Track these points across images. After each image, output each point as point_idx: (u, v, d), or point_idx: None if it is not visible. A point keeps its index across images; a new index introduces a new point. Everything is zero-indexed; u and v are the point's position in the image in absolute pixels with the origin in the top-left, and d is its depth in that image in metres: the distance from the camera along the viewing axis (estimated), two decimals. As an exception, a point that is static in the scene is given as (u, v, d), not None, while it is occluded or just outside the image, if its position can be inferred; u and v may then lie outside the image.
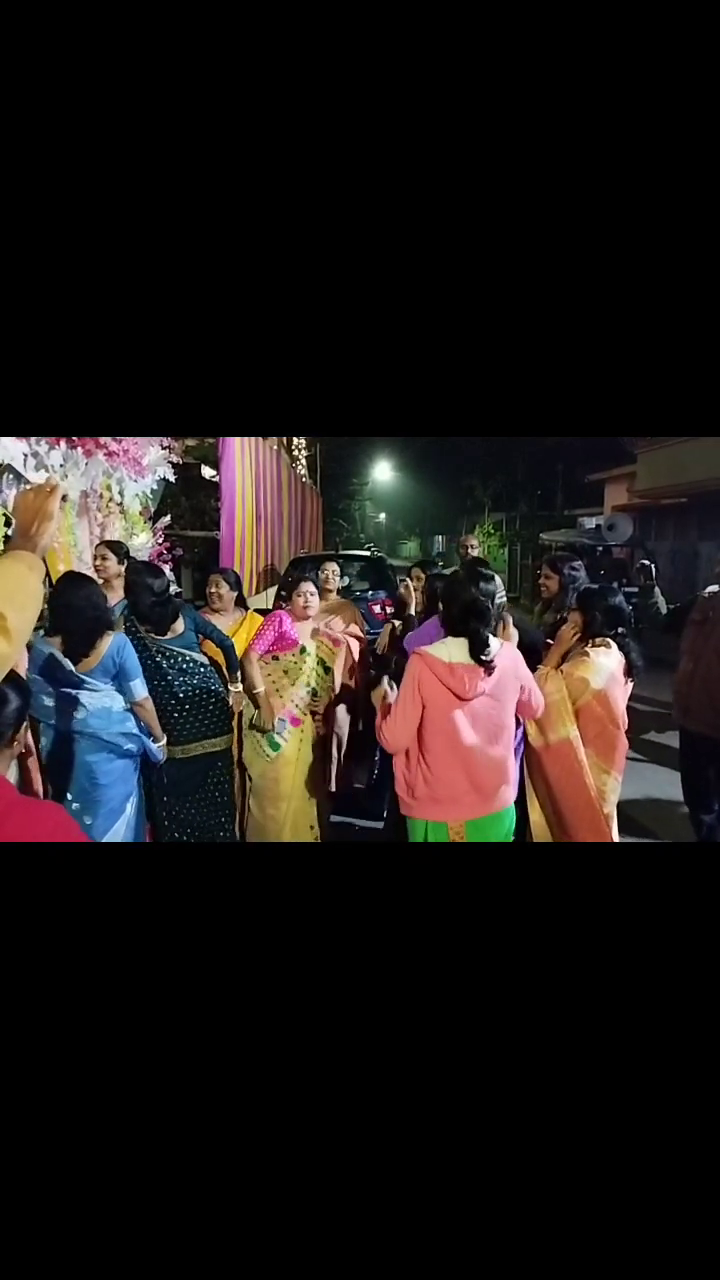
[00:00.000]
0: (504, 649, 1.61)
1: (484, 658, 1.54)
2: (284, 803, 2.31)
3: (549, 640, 2.00)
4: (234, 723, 2.32)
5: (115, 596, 2.28)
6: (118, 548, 2.46)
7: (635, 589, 2.46)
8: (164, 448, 3.26)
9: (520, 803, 1.84)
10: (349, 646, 2.58)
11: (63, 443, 2.39)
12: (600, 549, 7.96)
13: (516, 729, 1.72)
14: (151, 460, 3.14)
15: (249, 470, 4.47)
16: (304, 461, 8.94)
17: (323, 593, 2.67)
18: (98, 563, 2.40)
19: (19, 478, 0.94)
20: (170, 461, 3.33)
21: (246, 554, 4.32)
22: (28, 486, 0.87)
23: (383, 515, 25.67)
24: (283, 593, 2.57)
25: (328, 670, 2.42)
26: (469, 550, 3.66)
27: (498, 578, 1.65)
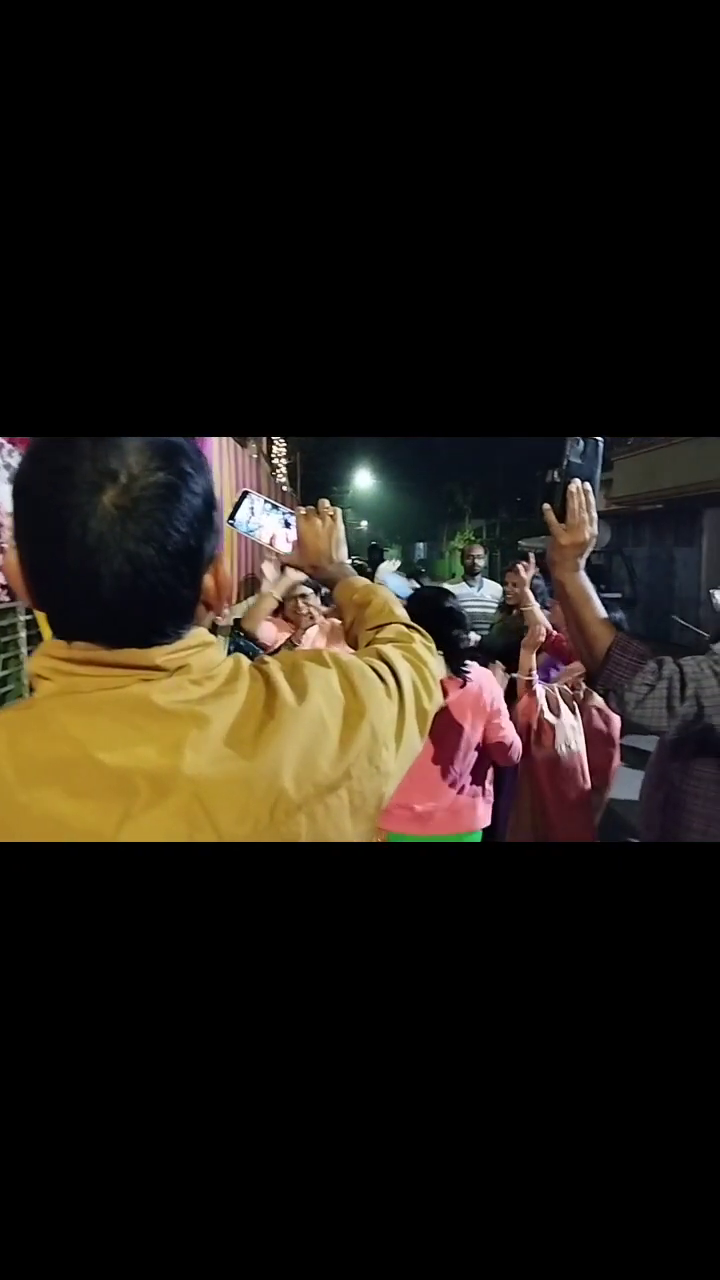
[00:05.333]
0: (477, 671, 1.60)
1: (464, 669, 1.53)
2: None
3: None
4: None
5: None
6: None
7: (617, 594, 2.49)
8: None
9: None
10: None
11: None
12: (579, 555, 8.00)
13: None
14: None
15: (227, 478, 4.45)
16: (284, 469, 8.95)
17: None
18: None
19: (272, 505, 0.87)
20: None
21: (226, 563, 4.31)
22: (301, 513, 0.84)
23: (364, 523, 25.81)
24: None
25: None
26: (475, 560, 3.62)
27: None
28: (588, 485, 1.03)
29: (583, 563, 1.05)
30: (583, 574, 1.06)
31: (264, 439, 7.82)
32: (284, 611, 2.28)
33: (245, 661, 0.48)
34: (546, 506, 1.05)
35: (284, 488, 8.11)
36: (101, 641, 0.42)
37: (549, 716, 1.72)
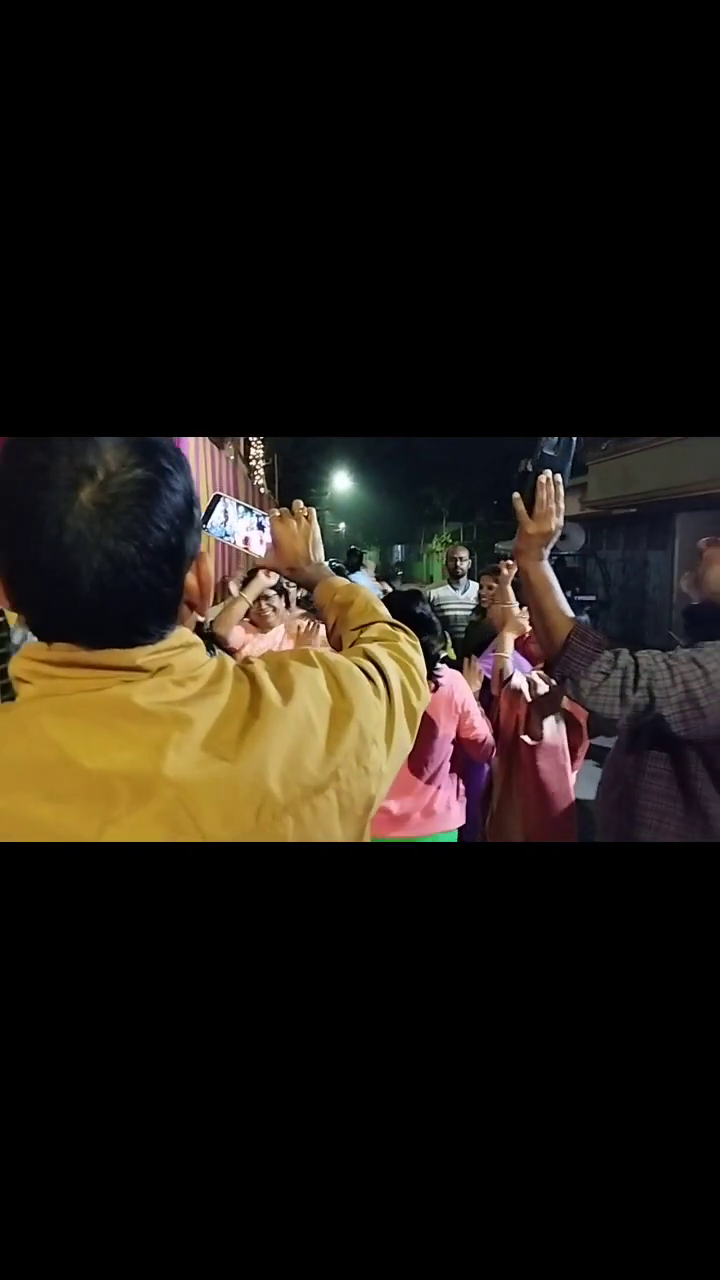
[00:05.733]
0: (448, 673, 1.62)
1: (435, 673, 1.54)
2: None
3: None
4: None
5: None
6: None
7: (592, 596, 2.53)
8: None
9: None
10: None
11: None
12: (555, 558, 8.10)
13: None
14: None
15: (204, 479, 4.41)
16: (261, 471, 8.91)
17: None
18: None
19: (245, 508, 0.82)
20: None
21: (209, 562, 4.26)
22: (276, 515, 0.81)
23: (342, 525, 25.77)
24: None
25: None
26: (458, 563, 3.62)
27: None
28: (558, 477, 1.07)
29: (547, 552, 1.09)
30: (546, 564, 1.10)
31: (241, 441, 7.78)
32: (249, 615, 2.30)
33: (230, 662, 0.47)
34: (516, 495, 1.09)
35: (261, 490, 8.07)
36: (82, 642, 0.41)
37: (527, 696, 1.75)
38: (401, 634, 0.67)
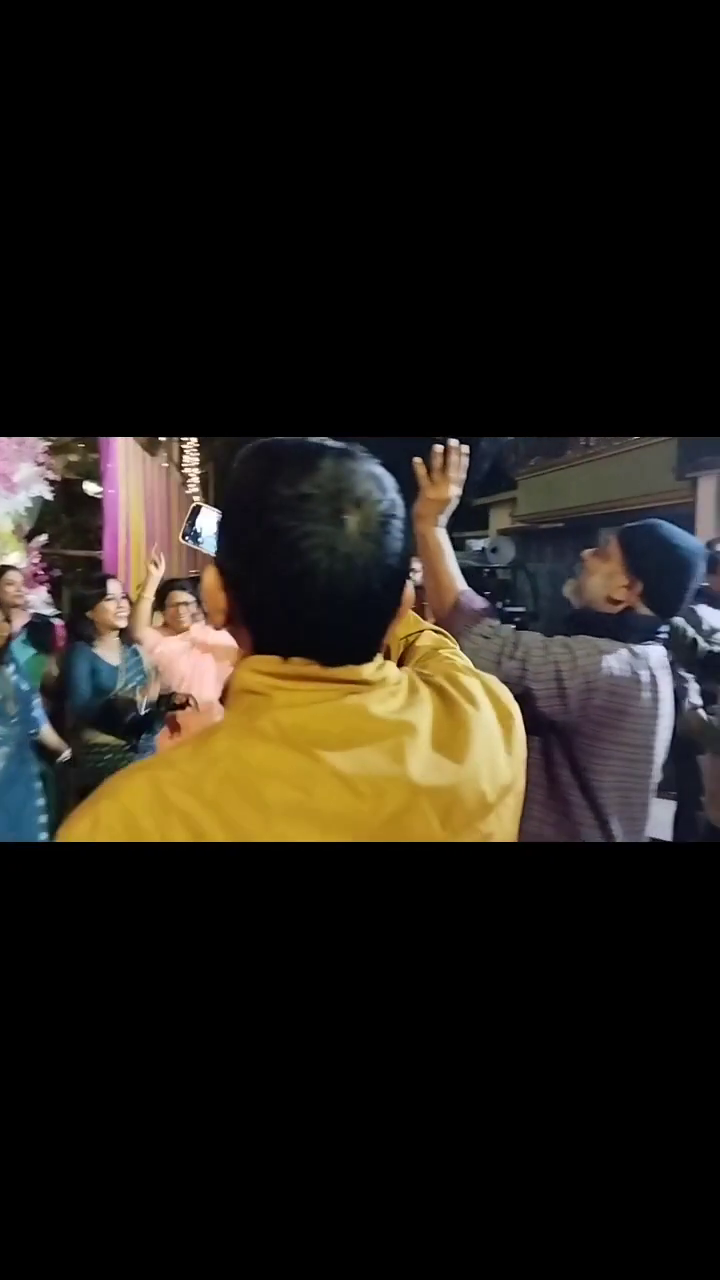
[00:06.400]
0: None
1: None
2: None
3: None
4: None
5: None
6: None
7: (521, 609, 2.60)
8: (38, 464, 3.06)
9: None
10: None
11: None
12: (486, 570, 8.33)
13: None
14: (23, 477, 2.94)
15: (136, 487, 4.30)
16: (197, 480, 8.76)
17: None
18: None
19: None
20: (46, 478, 3.13)
21: (132, 574, 4.14)
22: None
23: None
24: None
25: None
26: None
27: None
28: (465, 448, 1.13)
29: (444, 520, 1.16)
30: (442, 530, 1.17)
31: (175, 447, 7.63)
32: (164, 618, 2.29)
33: (412, 673, 0.50)
34: (418, 460, 1.14)
35: (196, 499, 7.93)
36: (324, 659, 0.42)
37: None
38: (448, 639, 0.70)
